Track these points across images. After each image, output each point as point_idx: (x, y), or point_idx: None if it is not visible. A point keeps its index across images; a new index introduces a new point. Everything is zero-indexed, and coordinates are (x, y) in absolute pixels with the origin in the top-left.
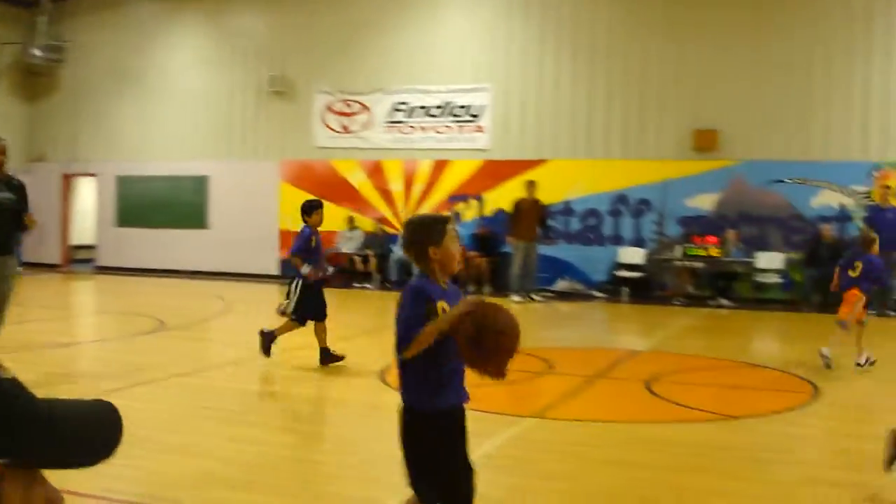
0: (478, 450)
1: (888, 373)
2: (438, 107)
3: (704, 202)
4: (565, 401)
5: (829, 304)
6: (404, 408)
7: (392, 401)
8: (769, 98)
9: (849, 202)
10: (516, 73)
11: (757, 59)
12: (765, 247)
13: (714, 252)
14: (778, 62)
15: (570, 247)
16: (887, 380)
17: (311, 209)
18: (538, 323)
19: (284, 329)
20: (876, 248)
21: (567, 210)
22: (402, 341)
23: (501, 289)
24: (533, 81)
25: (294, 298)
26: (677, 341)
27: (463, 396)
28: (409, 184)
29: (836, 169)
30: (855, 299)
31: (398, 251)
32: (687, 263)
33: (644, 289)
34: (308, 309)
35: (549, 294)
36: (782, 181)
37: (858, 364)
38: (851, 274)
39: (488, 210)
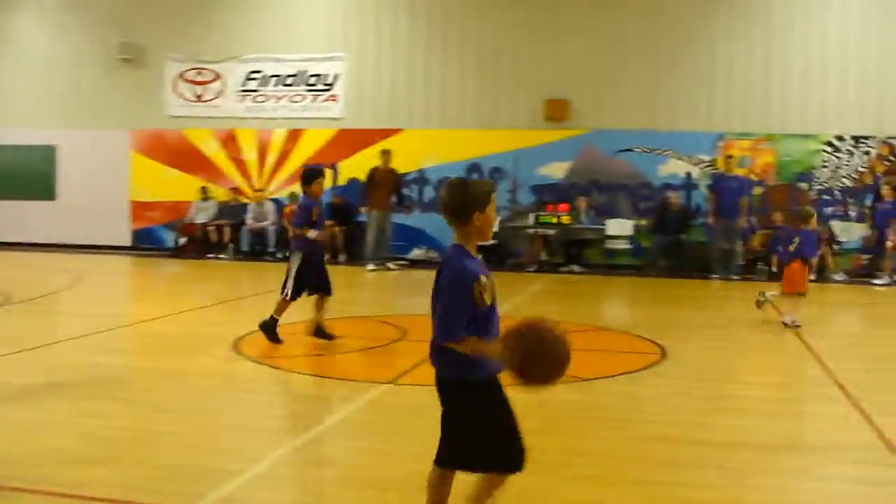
0: (334, 416)
1: (733, 334)
2: (292, 75)
3: (556, 171)
4: (419, 367)
5: (678, 268)
6: (454, 382)
7: (245, 370)
8: (618, 69)
9: (694, 171)
10: (371, 43)
11: (606, 30)
12: (614, 214)
13: (565, 220)
14: (627, 34)
15: (424, 215)
16: (732, 340)
17: (310, 178)
18: (393, 291)
19: (281, 309)
20: (814, 222)
21: (421, 179)
22: (447, 334)
23: (356, 257)
24: (387, 51)
25: (291, 276)
26: (531, 306)
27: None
28: (262, 153)
29: (683, 139)
30: (801, 271)
31: (251, 221)
32: (539, 231)
33: (498, 256)
34: (307, 282)
35: (404, 262)
36: (631, 150)
37: (784, 323)
38: (790, 248)
39: (343, 179)
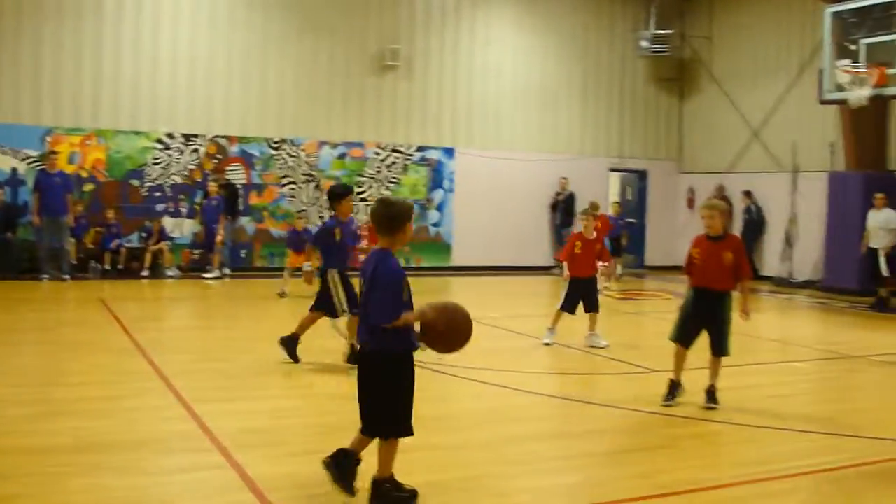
0: None
1: (63, 336)
2: None
3: None
4: None
5: (5, 269)
6: (379, 352)
7: None
8: None
9: (21, 166)
10: None
11: None
12: None
13: None
14: None
15: None
16: (61, 342)
17: (339, 196)
18: None
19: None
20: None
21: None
22: (384, 316)
23: None
24: None
25: (339, 292)
26: None
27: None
28: None
29: (8, 132)
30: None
31: None
32: None
33: None
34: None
35: None
36: None
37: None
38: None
39: None
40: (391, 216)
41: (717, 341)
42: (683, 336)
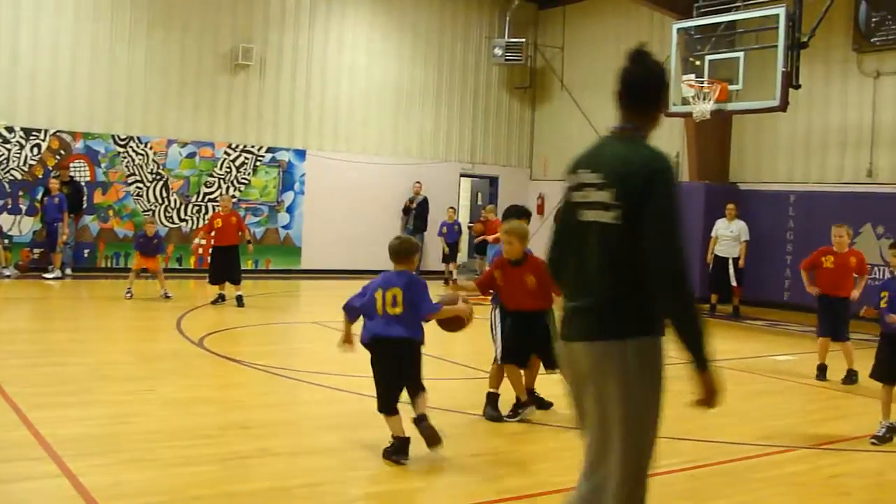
0: None
1: None
2: None
3: None
4: None
5: None
6: (414, 341)
7: None
8: None
9: None
10: None
11: None
12: None
13: None
14: None
15: None
16: None
17: (521, 216)
18: None
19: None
20: None
21: None
22: (430, 310)
23: None
24: None
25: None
26: None
27: None
28: None
29: None
30: None
31: None
32: None
33: None
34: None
35: None
36: None
37: None
38: None
39: None
40: (415, 250)
41: (544, 357)
42: (516, 357)
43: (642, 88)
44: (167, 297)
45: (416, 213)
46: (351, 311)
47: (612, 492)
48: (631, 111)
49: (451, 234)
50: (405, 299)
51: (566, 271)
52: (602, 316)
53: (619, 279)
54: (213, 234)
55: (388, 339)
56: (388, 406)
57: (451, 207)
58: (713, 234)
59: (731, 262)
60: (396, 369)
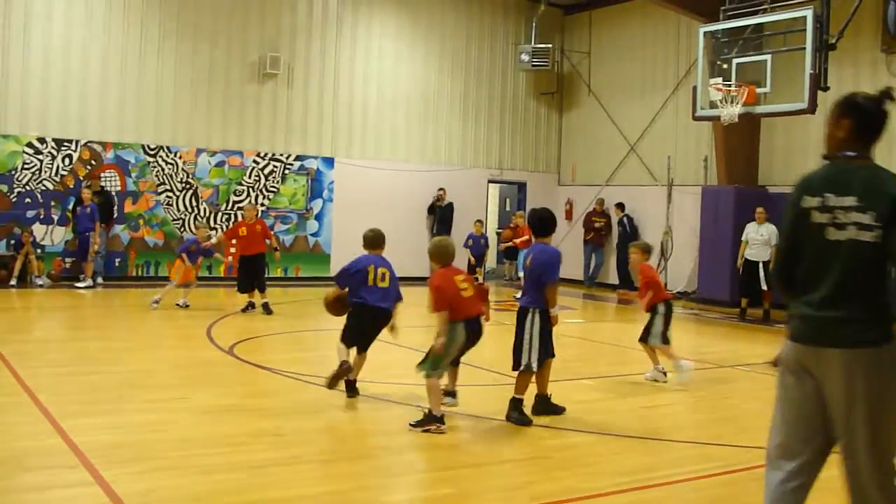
0: None
1: None
2: None
3: None
4: None
5: None
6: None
7: None
8: None
9: None
10: None
11: None
12: None
13: None
14: None
15: None
16: None
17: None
18: None
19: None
20: None
21: None
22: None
23: None
24: None
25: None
26: None
27: None
28: None
29: None
30: None
31: None
32: None
33: None
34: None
35: None
36: None
37: None
38: None
39: None
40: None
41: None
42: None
43: (882, 125)
44: (185, 307)
45: (440, 217)
46: (344, 277)
47: (871, 482)
48: (866, 142)
49: (476, 246)
50: (391, 276)
51: (805, 283)
52: (866, 326)
53: (879, 291)
54: (234, 241)
55: (382, 310)
56: (365, 347)
57: (479, 220)
58: (743, 237)
59: (761, 265)
60: (378, 331)
